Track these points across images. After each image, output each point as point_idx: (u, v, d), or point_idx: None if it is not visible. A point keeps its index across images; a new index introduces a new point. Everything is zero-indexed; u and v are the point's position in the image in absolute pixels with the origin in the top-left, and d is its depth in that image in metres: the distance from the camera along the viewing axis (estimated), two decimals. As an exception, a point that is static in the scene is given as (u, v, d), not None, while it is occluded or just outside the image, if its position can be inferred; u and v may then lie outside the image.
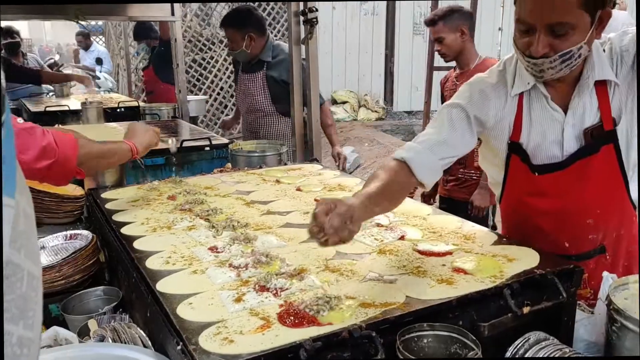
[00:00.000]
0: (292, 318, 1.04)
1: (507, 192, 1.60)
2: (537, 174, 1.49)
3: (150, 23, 5.36)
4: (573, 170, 1.46)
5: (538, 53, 1.32)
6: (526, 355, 1.12)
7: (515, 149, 1.51)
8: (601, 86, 1.41)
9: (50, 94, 5.84)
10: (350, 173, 3.28)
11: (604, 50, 1.42)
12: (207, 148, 2.77)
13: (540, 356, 1.11)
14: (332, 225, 1.10)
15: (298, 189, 2.03)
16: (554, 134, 1.46)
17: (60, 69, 7.13)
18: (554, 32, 1.29)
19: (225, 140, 2.95)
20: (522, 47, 1.36)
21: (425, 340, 1.03)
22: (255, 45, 3.19)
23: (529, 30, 1.33)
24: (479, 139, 1.58)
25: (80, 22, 3.66)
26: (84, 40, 8.30)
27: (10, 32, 6.08)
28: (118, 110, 4.53)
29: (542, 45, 1.31)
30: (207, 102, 8.01)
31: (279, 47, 3.30)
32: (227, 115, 8.55)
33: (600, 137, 1.43)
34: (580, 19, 1.28)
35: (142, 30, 5.49)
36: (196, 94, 7.58)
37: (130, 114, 4.46)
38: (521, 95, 1.48)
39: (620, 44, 1.41)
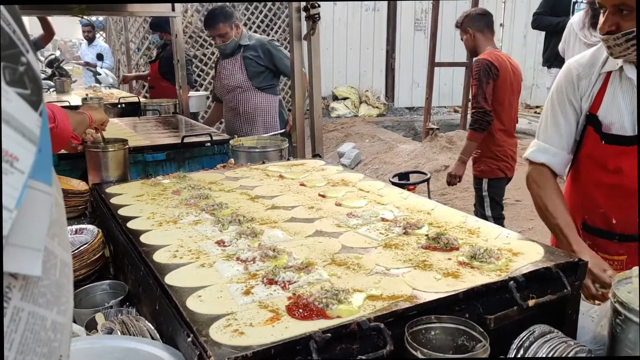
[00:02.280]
0: (300, 311, 1.05)
1: (577, 162, 1.73)
2: (604, 142, 1.61)
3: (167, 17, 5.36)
4: (637, 149, 1.53)
5: (603, 30, 1.47)
6: (531, 348, 1.13)
7: (591, 120, 1.63)
8: None
9: (52, 89, 5.84)
10: (352, 169, 3.30)
11: None
12: (208, 144, 2.77)
13: (546, 349, 1.12)
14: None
15: (302, 184, 2.04)
16: (630, 114, 1.56)
17: (61, 64, 7.13)
18: (619, 13, 1.42)
19: (226, 136, 2.96)
20: (600, 26, 1.51)
21: (432, 332, 1.04)
22: (239, 32, 3.90)
23: (603, 11, 1.48)
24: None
25: (81, 16, 3.69)
26: (92, 30, 8.30)
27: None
28: (119, 105, 4.53)
29: (607, 23, 1.46)
30: (207, 98, 8.00)
31: (252, 35, 4.05)
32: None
33: None
34: None
35: (159, 22, 5.48)
36: (197, 90, 7.58)
37: (131, 110, 4.47)
38: (609, 73, 1.61)
39: None
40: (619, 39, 1.47)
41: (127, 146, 2.29)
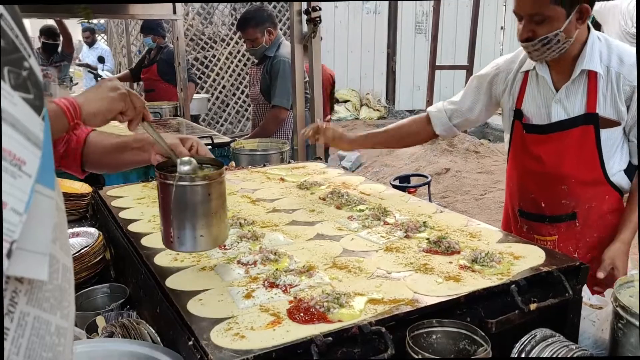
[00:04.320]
0: (302, 314, 1.05)
1: (510, 155, 1.91)
2: (525, 132, 1.80)
3: (160, 20, 5.36)
4: (553, 138, 1.73)
5: (522, 37, 1.63)
6: (533, 352, 1.13)
7: (517, 115, 1.81)
8: (592, 75, 1.66)
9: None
10: (352, 172, 3.30)
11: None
12: (209, 147, 2.77)
13: (547, 352, 1.12)
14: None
15: (303, 187, 2.04)
16: (545, 107, 1.75)
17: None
18: (534, 21, 1.58)
19: (227, 139, 2.96)
20: (517, 34, 1.67)
21: (434, 337, 1.04)
22: (271, 39, 3.56)
23: (520, 19, 1.63)
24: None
25: (87, 21, 3.69)
26: (91, 35, 8.30)
27: (53, 34, 6.07)
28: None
29: (525, 30, 1.62)
30: (209, 100, 8.01)
31: (284, 46, 3.57)
32: (228, 113, 8.56)
33: (581, 118, 1.69)
34: (554, 12, 1.55)
35: (152, 25, 5.47)
36: (198, 92, 7.58)
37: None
38: (527, 72, 1.79)
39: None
40: (535, 45, 1.62)
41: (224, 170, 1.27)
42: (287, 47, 3.42)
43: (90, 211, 2.21)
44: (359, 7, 10.19)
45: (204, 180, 1.16)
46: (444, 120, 2.01)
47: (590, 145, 1.68)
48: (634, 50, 1.70)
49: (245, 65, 8.26)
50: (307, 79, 3.12)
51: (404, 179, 4.48)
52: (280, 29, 8.41)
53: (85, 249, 1.69)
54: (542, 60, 1.69)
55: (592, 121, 1.67)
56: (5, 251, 0.33)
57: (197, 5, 8.10)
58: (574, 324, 1.30)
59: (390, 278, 1.25)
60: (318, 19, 2.79)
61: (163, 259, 1.37)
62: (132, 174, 2.86)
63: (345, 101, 10.45)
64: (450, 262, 1.32)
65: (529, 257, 1.33)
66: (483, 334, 1.02)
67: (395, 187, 3.29)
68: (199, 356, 0.96)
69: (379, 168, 6.86)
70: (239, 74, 8.48)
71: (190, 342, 0.99)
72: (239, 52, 8.37)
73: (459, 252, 1.38)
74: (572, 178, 1.72)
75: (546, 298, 1.21)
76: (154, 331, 1.22)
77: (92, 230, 1.86)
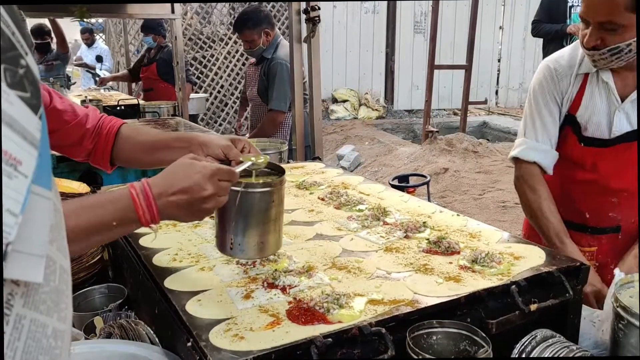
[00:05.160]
0: (301, 315, 1.05)
1: (559, 162, 1.75)
2: (582, 145, 1.66)
3: (160, 19, 5.35)
4: (614, 150, 1.63)
5: (589, 44, 1.51)
6: (533, 352, 1.13)
7: (570, 121, 1.68)
8: None
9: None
10: (351, 171, 3.30)
11: None
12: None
13: (548, 353, 1.11)
14: None
15: (301, 187, 2.04)
16: (607, 116, 1.62)
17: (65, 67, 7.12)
18: (604, 29, 1.45)
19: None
20: (582, 39, 1.55)
21: (434, 337, 1.03)
22: (269, 40, 3.52)
23: (587, 25, 1.51)
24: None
25: (85, 20, 3.68)
26: (90, 36, 8.29)
27: (42, 33, 6.08)
28: (118, 108, 4.52)
29: (592, 38, 1.49)
30: (207, 100, 8.01)
31: (282, 47, 3.53)
32: (227, 113, 8.55)
33: None
34: (628, 20, 1.41)
35: (152, 24, 5.47)
36: (196, 92, 7.58)
37: (130, 112, 4.46)
38: (586, 75, 1.65)
39: None
40: (604, 54, 1.51)
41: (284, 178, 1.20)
42: (285, 47, 3.40)
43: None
44: (358, 7, 10.18)
45: (269, 187, 1.12)
46: (553, 156, 1.75)
47: None
48: None
49: (243, 64, 8.25)
50: (306, 79, 3.11)
51: (403, 178, 4.48)
52: (279, 29, 8.42)
53: (83, 249, 1.68)
54: (606, 67, 1.58)
55: None
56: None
57: (195, 4, 8.09)
58: (574, 324, 1.29)
59: (390, 278, 1.24)
60: (317, 18, 2.79)
61: (161, 260, 1.36)
62: (130, 174, 2.85)
63: (344, 101, 10.45)
64: (450, 263, 1.32)
65: (529, 258, 1.33)
66: (484, 334, 1.02)
67: (394, 186, 3.28)
68: (198, 357, 0.95)
69: (377, 168, 6.86)
70: (237, 74, 8.48)
71: (189, 343, 0.98)
72: (237, 51, 8.37)
73: (459, 253, 1.37)
74: (626, 192, 1.64)
75: (546, 298, 1.21)
76: (152, 332, 1.21)
77: (90, 230, 1.86)
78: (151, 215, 0.95)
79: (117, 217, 0.94)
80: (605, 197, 1.66)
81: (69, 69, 7.43)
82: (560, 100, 1.71)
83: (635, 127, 1.59)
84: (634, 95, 1.57)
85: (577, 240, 1.72)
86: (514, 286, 1.18)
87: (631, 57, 1.50)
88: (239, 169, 1.05)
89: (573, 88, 1.68)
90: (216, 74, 8.39)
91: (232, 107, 8.50)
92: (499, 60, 11.34)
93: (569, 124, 1.69)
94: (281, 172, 1.22)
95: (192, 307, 1.11)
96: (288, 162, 2.56)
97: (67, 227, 0.46)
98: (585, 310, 1.35)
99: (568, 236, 1.67)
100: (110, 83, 6.94)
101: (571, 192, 1.73)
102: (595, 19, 1.47)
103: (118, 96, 5.43)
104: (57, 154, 2.22)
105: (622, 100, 1.61)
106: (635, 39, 1.44)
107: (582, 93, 1.65)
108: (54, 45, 6.32)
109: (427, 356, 0.95)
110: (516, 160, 1.80)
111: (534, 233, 1.81)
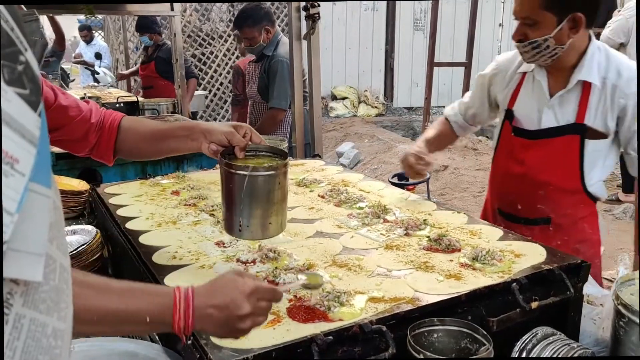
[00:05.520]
0: (302, 313, 1.04)
1: (496, 154, 1.94)
2: (513, 135, 1.81)
3: (154, 17, 5.32)
4: (540, 143, 1.75)
5: (514, 38, 1.67)
6: (534, 350, 1.13)
7: (508, 115, 1.83)
8: (587, 86, 1.66)
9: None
10: (351, 169, 3.29)
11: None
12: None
13: (549, 351, 1.11)
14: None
15: (301, 185, 2.03)
16: (536, 112, 1.75)
17: (60, 64, 7.10)
18: (527, 24, 1.61)
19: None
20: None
21: (435, 335, 1.03)
22: (269, 37, 3.48)
23: (516, 20, 1.66)
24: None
25: (89, 16, 3.69)
26: (88, 33, 8.26)
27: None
28: (117, 105, 4.51)
29: (517, 32, 1.65)
30: (206, 97, 7.99)
31: (282, 44, 3.50)
32: (226, 110, 8.54)
33: (570, 127, 1.70)
34: (543, 17, 1.58)
35: (146, 23, 5.45)
36: (196, 89, 7.55)
37: (129, 109, 4.45)
38: (524, 73, 1.80)
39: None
40: (526, 47, 1.64)
41: (288, 161, 1.27)
42: (285, 45, 3.38)
43: (87, 208, 2.20)
44: (357, 4, 10.15)
45: (274, 170, 1.18)
46: (461, 123, 2.05)
47: (574, 155, 1.70)
48: (633, 64, 1.70)
49: (244, 62, 8.23)
50: (306, 77, 3.10)
51: (402, 176, 4.47)
52: (279, 26, 8.40)
53: (83, 246, 1.67)
54: (534, 62, 1.70)
55: (579, 131, 1.68)
56: None
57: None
58: (575, 322, 1.29)
59: (391, 276, 1.24)
60: (317, 15, 2.77)
61: (161, 257, 1.36)
62: (130, 171, 2.84)
63: (343, 98, 10.43)
64: (451, 260, 1.31)
65: (530, 255, 1.33)
66: (485, 332, 1.02)
67: (393, 184, 3.27)
68: (198, 356, 0.95)
69: (377, 165, 6.85)
70: (237, 71, 8.44)
71: (189, 342, 0.98)
72: (236, 48, 8.34)
73: (459, 250, 1.37)
74: (551, 185, 1.74)
75: (547, 296, 1.20)
76: (152, 330, 1.21)
77: (90, 227, 1.85)
78: (185, 322, 0.86)
79: (151, 311, 0.86)
80: (534, 189, 1.76)
81: (68, 66, 7.41)
82: (494, 91, 1.91)
83: (561, 124, 1.71)
84: (562, 92, 1.69)
85: (512, 229, 1.79)
86: (514, 284, 1.18)
87: (552, 54, 1.62)
88: (282, 289, 0.99)
89: (512, 85, 1.82)
90: (215, 71, 8.38)
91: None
92: (498, 58, 11.30)
93: (507, 118, 1.83)
94: (284, 156, 1.29)
95: (193, 305, 1.10)
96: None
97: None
98: (586, 307, 1.34)
99: (428, 142, 1.98)
100: (109, 80, 6.93)
101: (506, 185, 1.88)
102: (519, 15, 1.63)
103: (117, 93, 5.41)
104: (56, 151, 2.23)
105: (551, 97, 1.72)
106: (551, 35, 1.58)
107: (519, 90, 1.80)
108: (50, 42, 6.29)
109: (428, 354, 0.95)
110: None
111: (490, 214, 1.98)
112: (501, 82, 1.86)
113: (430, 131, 2.06)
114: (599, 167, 1.72)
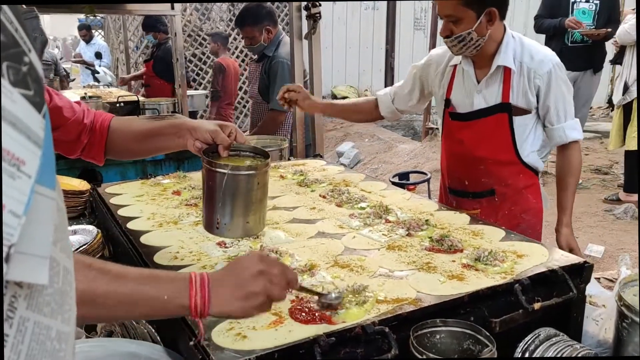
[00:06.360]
0: (304, 314, 1.04)
1: (442, 139, 2.11)
2: (451, 119, 2.00)
3: (159, 16, 5.32)
4: (473, 124, 1.94)
5: (442, 34, 1.84)
6: (537, 351, 1.12)
7: (447, 104, 2.01)
8: (507, 70, 1.86)
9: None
10: (351, 168, 3.29)
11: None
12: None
13: (551, 352, 1.11)
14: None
15: (303, 185, 2.03)
16: (468, 97, 1.94)
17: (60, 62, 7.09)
18: (451, 21, 1.78)
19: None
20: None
21: (438, 336, 1.03)
22: (270, 37, 3.48)
23: (442, 18, 1.83)
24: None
25: (91, 16, 3.70)
26: (88, 33, 8.25)
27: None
28: (117, 104, 4.51)
29: (444, 29, 1.82)
30: (206, 97, 7.98)
31: (284, 44, 3.46)
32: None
33: (497, 107, 1.89)
34: (465, 14, 1.75)
35: (151, 22, 5.44)
36: (196, 89, 7.55)
37: (129, 109, 4.45)
38: (455, 66, 1.99)
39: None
40: (453, 42, 1.81)
41: (269, 162, 1.28)
42: (286, 45, 3.35)
43: (88, 208, 2.20)
44: (358, 4, 10.14)
45: (254, 170, 1.19)
46: (388, 104, 2.22)
47: (505, 131, 1.89)
48: (542, 47, 1.93)
49: (243, 61, 8.22)
50: (307, 77, 3.10)
51: (403, 176, 4.46)
52: (279, 26, 8.39)
53: (84, 246, 1.67)
54: (462, 55, 1.89)
55: (506, 109, 1.88)
56: (3, 255, 0.31)
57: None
58: (578, 323, 1.29)
59: (393, 277, 1.24)
60: (318, 14, 2.77)
61: (162, 258, 1.36)
62: (130, 171, 2.84)
63: (343, 97, 10.42)
64: (453, 261, 1.31)
65: (533, 256, 1.32)
66: (487, 333, 1.01)
67: (394, 184, 3.27)
68: (200, 357, 0.94)
69: (377, 165, 6.84)
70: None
71: (191, 342, 0.98)
72: (236, 48, 8.34)
73: (461, 251, 1.37)
74: (489, 159, 1.92)
75: (550, 297, 1.20)
76: (153, 330, 1.20)
77: (91, 227, 1.85)
78: (202, 299, 0.86)
79: (169, 291, 0.86)
80: (475, 166, 1.95)
81: (68, 65, 7.40)
82: (421, 81, 2.11)
83: (489, 105, 1.89)
84: (486, 77, 1.88)
85: (464, 204, 2.01)
86: (517, 285, 1.17)
87: (476, 45, 1.80)
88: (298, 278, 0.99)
89: (447, 77, 2.01)
90: (216, 70, 8.36)
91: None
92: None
93: (446, 107, 2.01)
94: (265, 156, 1.29)
95: (194, 306, 1.10)
96: (289, 160, 2.55)
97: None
98: (588, 309, 1.34)
99: (337, 104, 2.34)
100: (110, 80, 6.92)
101: (453, 165, 2.06)
102: (443, 13, 1.80)
103: (118, 93, 5.41)
104: (56, 151, 2.23)
105: (479, 83, 1.92)
106: (472, 28, 1.75)
107: (453, 80, 1.99)
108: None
109: (431, 355, 0.95)
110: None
111: (443, 194, 2.14)
112: (434, 73, 2.05)
113: (350, 100, 2.29)
114: (530, 139, 1.91)
